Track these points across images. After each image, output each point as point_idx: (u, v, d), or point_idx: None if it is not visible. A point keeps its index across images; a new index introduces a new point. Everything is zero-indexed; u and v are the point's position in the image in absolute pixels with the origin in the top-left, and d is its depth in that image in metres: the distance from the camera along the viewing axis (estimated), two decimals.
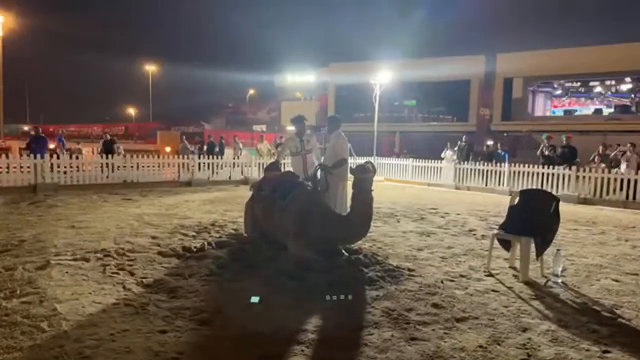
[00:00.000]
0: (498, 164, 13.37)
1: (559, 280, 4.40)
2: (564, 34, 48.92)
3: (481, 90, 28.61)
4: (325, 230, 4.56)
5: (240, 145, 17.87)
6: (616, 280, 4.53)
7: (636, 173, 10.87)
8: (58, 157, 11.49)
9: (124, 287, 3.86)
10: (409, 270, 4.59)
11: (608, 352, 2.95)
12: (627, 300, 3.93)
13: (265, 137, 18.73)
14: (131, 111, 60.27)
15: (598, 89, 27.60)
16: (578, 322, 3.42)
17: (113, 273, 4.23)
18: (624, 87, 26.81)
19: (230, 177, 14.07)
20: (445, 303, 3.71)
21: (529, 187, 11.74)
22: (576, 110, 28.20)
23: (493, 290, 4.09)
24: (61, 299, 3.54)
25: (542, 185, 11.81)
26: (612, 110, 26.95)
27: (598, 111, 27.13)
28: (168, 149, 22.29)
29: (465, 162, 14.39)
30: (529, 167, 12.46)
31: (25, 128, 42.15)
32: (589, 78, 27.26)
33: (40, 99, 79.84)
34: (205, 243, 5.28)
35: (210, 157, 14.16)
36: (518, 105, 28.19)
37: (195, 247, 5.15)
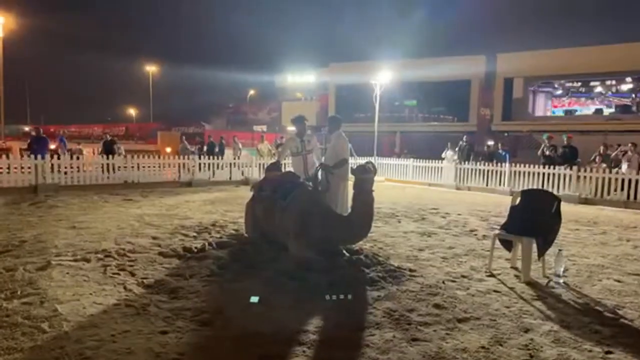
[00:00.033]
0: (499, 164, 13.35)
1: (561, 281, 4.39)
2: (565, 33, 49.04)
3: (482, 90, 28.61)
4: (326, 230, 4.55)
5: (240, 146, 17.86)
6: (618, 281, 4.52)
7: (637, 173, 10.85)
8: (59, 158, 11.49)
9: (124, 288, 3.85)
10: (410, 270, 4.58)
11: (611, 352, 2.94)
12: (629, 301, 3.92)
13: (266, 138, 18.70)
14: (132, 111, 60.38)
15: (598, 89, 27.61)
16: (580, 322, 3.41)
17: (114, 274, 4.23)
18: (625, 87, 26.82)
19: (230, 178, 14.07)
20: (447, 304, 3.70)
21: (530, 187, 11.72)
22: (577, 110, 28.21)
23: (495, 291, 4.08)
24: (62, 299, 3.54)
25: (543, 186, 11.78)
26: (612, 110, 26.97)
27: (599, 111, 27.13)
28: (168, 150, 22.29)
29: (466, 162, 14.37)
30: (529, 167, 12.44)
31: (26, 129, 42.16)
32: (589, 78, 27.27)
33: (40, 100, 80.00)
34: (206, 243, 5.27)
35: (210, 157, 14.17)
36: (518, 105, 28.20)
37: (196, 247, 5.15)
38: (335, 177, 5.28)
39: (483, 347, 2.95)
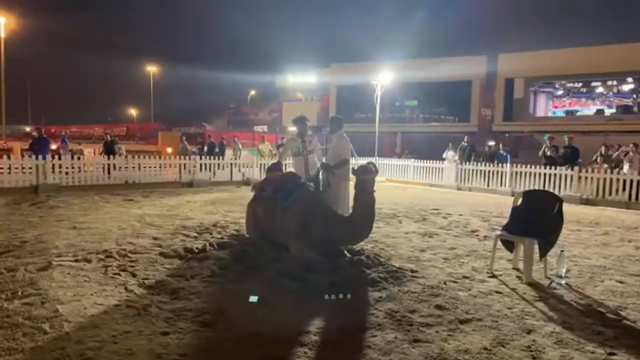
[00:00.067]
0: (500, 165, 13.34)
1: (563, 282, 4.38)
2: (565, 34, 49.00)
3: (482, 90, 28.60)
4: (327, 231, 4.54)
5: (240, 146, 17.87)
6: (620, 282, 4.51)
7: (639, 173, 10.84)
8: (60, 158, 11.50)
9: (125, 289, 3.84)
10: (412, 271, 4.57)
11: (613, 354, 2.92)
12: (632, 302, 3.91)
13: (267, 138, 18.71)
14: (132, 112, 60.44)
15: (600, 90, 27.59)
16: (583, 323, 3.40)
17: (115, 274, 4.22)
18: (626, 88, 26.81)
19: (231, 178, 14.07)
20: (449, 304, 3.69)
21: (531, 187, 11.70)
22: (578, 111, 28.20)
23: (497, 292, 4.07)
24: (63, 300, 3.53)
25: (544, 186, 11.76)
26: (613, 110, 26.95)
27: (600, 111, 27.13)
28: (169, 150, 22.31)
29: (467, 163, 14.35)
30: (531, 167, 12.43)
31: (27, 129, 42.22)
32: (590, 78, 27.26)
33: (41, 100, 79.98)
34: (207, 244, 5.27)
35: (211, 157, 14.16)
36: (519, 105, 28.20)
37: (197, 248, 5.14)
38: (336, 177, 5.27)
39: (485, 349, 2.94)
